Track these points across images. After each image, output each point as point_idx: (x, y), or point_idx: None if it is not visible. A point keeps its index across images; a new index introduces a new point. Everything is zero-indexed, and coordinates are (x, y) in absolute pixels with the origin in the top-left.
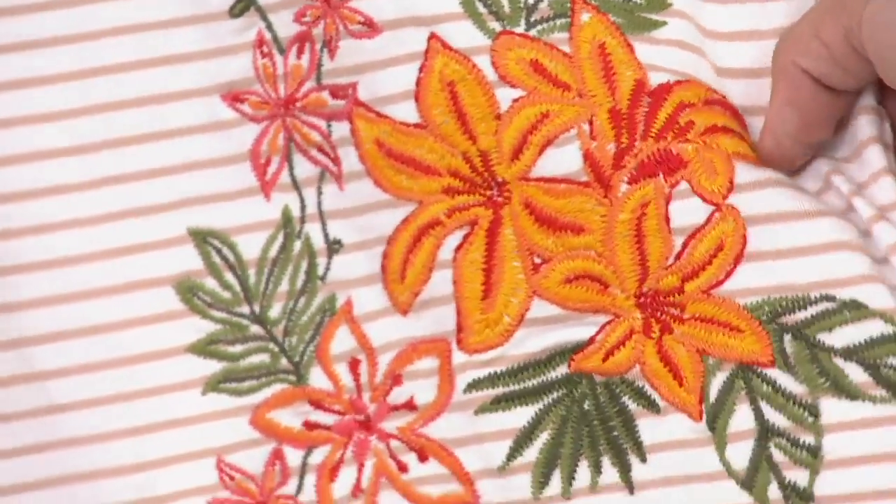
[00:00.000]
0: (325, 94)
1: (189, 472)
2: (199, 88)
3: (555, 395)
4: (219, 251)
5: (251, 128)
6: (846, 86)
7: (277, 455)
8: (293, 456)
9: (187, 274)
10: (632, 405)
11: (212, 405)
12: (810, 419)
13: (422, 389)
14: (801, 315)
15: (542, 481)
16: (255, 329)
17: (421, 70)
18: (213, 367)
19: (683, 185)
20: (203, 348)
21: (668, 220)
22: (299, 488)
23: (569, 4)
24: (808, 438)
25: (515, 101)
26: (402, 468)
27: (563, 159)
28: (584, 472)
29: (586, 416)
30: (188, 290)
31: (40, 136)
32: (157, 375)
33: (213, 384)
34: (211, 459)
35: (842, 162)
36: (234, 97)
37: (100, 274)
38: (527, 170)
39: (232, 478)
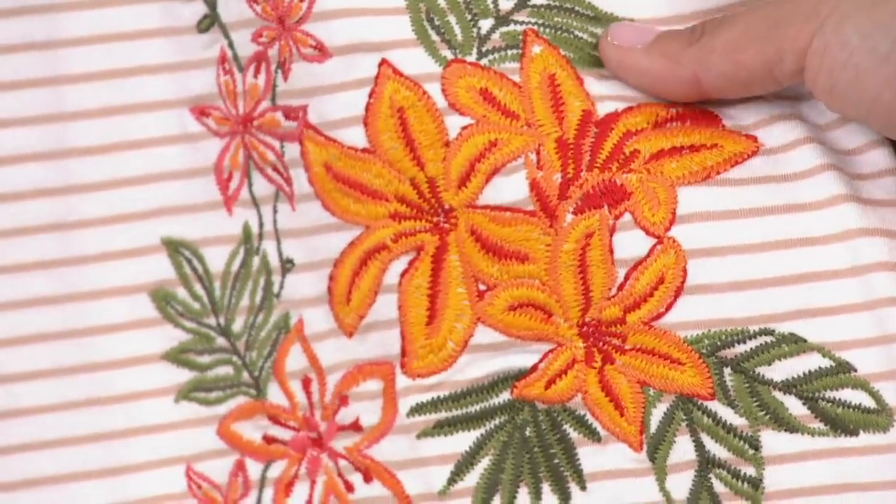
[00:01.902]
0: (279, 115)
1: (161, 478)
2: (169, 100)
3: (497, 421)
4: (189, 262)
5: (215, 142)
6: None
7: (240, 466)
8: (254, 469)
9: (162, 282)
10: (573, 433)
11: (183, 413)
12: (751, 451)
13: (367, 411)
14: (740, 349)
15: None
16: (221, 341)
17: (371, 95)
18: (185, 375)
19: (627, 217)
20: (176, 356)
21: (611, 251)
22: (259, 501)
23: (521, 36)
24: (749, 470)
25: (464, 128)
26: (349, 488)
27: (510, 188)
28: (523, 499)
29: (527, 443)
30: (162, 299)
31: (14, 141)
32: (133, 381)
33: (185, 392)
34: (181, 467)
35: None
36: (200, 111)
37: (77, 279)
38: (473, 197)
39: (200, 486)
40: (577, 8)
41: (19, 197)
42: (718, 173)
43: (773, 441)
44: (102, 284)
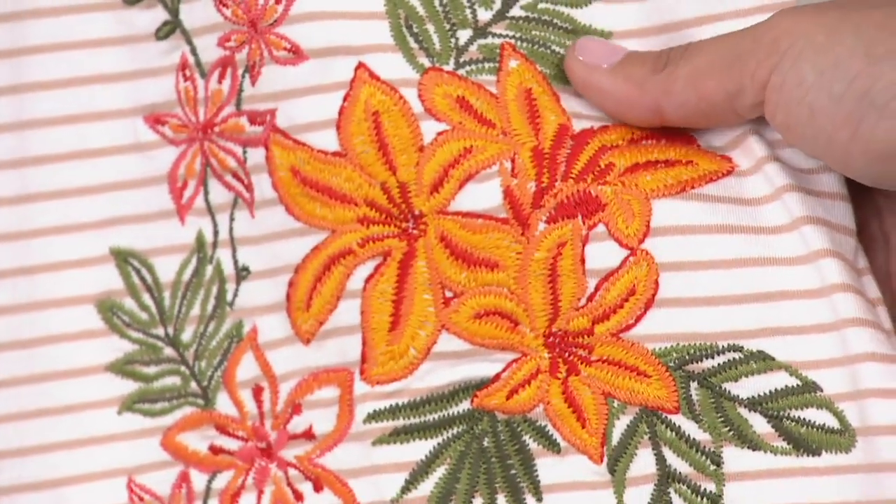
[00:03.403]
0: (243, 120)
1: (101, 490)
2: (122, 109)
3: (455, 430)
4: (138, 272)
5: (170, 150)
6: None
7: (184, 478)
8: (199, 480)
9: (108, 293)
10: (532, 444)
11: (127, 425)
12: (712, 467)
13: (321, 419)
14: (708, 363)
15: None
16: (169, 351)
17: (345, 99)
18: (130, 386)
19: (601, 228)
20: (120, 368)
21: (583, 261)
22: None
23: (498, 50)
24: (710, 486)
25: (439, 134)
26: (298, 497)
27: (483, 195)
28: None
29: (485, 453)
30: (108, 309)
31: None
32: (75, 392)
33: (129, 404)
34: (123, 479)
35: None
36: (155, 119)
37: (22, 289)
38: (445, 203)
39: (141, 499)
40: (555, 20)
41: None
42: (693, 188)
43: (735, 457)
44: (49, 295)
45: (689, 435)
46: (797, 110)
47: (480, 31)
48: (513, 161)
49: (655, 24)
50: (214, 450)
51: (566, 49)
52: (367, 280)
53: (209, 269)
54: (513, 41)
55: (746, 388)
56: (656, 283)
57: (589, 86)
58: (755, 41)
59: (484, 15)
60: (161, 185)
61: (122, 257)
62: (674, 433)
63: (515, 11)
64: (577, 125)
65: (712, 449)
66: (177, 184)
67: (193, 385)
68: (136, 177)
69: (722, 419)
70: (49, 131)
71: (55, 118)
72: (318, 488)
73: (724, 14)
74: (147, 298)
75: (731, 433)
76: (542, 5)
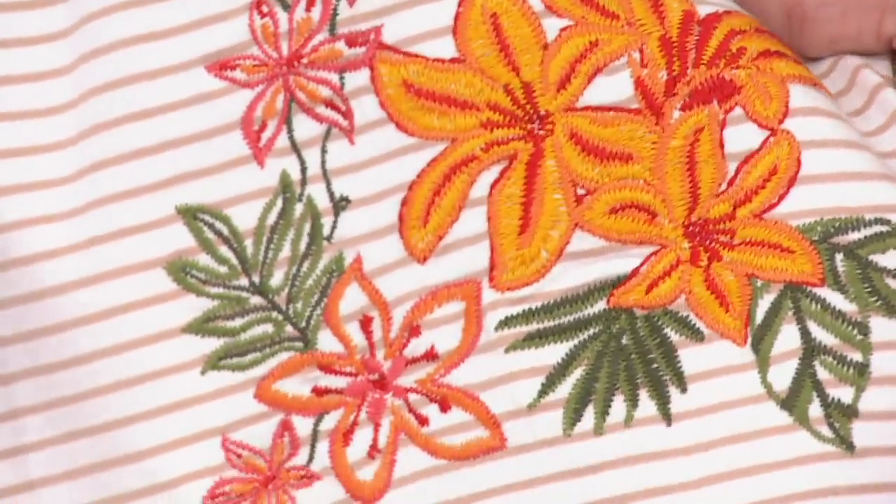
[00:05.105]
0: (340, 45)
1: (194, 453)
2: (179, 63)
3: (591, 330)
4: (211, 226)
5: (243, 94)
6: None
7: (286, 426)
8: (302, 425)
9: (178, 253)
10: (674, 336)
11: (212, 384)
12: (859, 337)
13: (444, 337)
14: (854, 235)
15: (573, 417)
16: (256, 300)
17: (461, 4)
18: (212, 344)
19: (738, 111)
20: (200, 326)
21: (722, 145)
22: (311, 457)
23: None
24: (856, 356)
25: (563, 30)
26: (423, 422)
27: (613, 87)
28: (619, 407)
29: (624, 351)
30: (180, 270)
31: (20, 132)
32: (153, 359)
33: (213, 362)
34: (216, 439)
35: None
36: (221, 65)
37: (88, 262)
38: (573, 100)
39: (239, 455)
40: None
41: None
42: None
43: (882, 327)
44: (115, 264)
45: (834, 307)
46: None
47: None
48: (641, 51)
49: None
50: (318, 391)
51: None
52: (493, 185)
53: (298, 208)
54: None
55: (894, 259)
56: (798, 161)
57: None
58: None
59: None
60: (232, 133)
61: (191, 214)
62: (819, 306)
63: None
64: (702, 10)
65: (859, 319)
66: (253, 127)
67: (289, 329)
68: (200, 129)
69: (869, 289)
70: (100, 98)
71: (107, 83)
72: (444, 408)
73: None
74: (225, 251)
75: (878, 303)
76: None
